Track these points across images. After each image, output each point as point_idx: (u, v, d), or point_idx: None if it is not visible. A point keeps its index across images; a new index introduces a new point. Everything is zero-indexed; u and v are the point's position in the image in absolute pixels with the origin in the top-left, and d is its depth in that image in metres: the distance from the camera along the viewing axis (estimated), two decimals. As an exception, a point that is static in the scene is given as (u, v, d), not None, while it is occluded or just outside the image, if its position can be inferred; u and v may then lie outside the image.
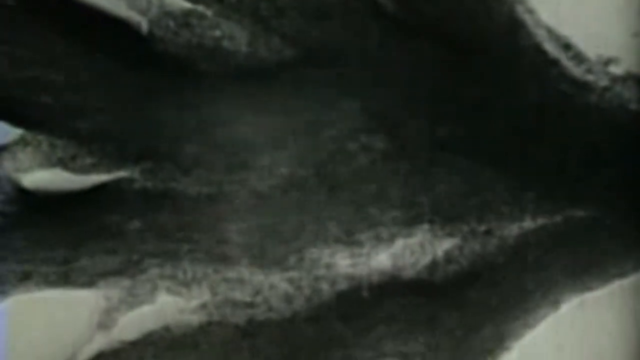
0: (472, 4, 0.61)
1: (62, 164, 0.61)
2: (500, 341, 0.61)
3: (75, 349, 0.61)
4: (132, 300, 0.61)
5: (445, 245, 0.61)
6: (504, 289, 0.60)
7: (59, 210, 0.61)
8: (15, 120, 0.61)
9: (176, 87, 0.61)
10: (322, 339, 0.61)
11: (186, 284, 0.61)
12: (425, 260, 0.61)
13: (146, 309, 0.61)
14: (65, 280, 0.61)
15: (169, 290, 0.61)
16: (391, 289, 0.61)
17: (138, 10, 0.61)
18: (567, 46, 0.61)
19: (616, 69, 0.61)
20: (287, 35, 0.61)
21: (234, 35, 0.61)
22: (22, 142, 0.61)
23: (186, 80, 0.61)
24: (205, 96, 0.61)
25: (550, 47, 0.61)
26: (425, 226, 0.61)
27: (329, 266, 0.61)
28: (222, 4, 0.61)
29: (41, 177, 0.62)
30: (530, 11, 0.61)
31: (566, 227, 0.60)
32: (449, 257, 0.61)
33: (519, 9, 0.61)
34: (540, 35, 0.61)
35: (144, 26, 0.62)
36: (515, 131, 0.61)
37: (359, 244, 0.61)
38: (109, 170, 0.61)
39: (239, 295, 0.61)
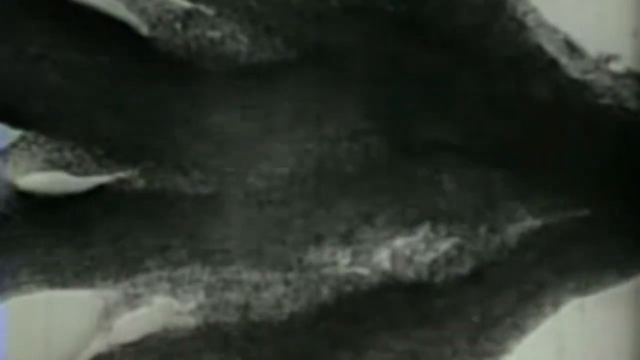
0: (473, 3, 0.61)
1: (62, 165, 0.61)
2: (501, 342, 0.60)
3: (74, 351, 0.61)
4: (130, 302, 0.61)
5: (445, 244, 0.61)
6: (504, 289, 0.60)
7: (58, 212, 0.61)
8: (14, 122, 0.61)
9: (176, 87, 0.61)
10: (321, 340, 0.61)
11: (184, 286, 0.61)
12: (426, 259, 0.61)
13: (144, 310, 0.61)
14: (64, 281, 0.61)
15: (166, 292, 0.61)
16: (391, 289, 0.61)
17: (138, 10, 0.61)
18: (567, 44, 0.61)
19: (616, 67, 0.62)
20: (288, 35, 0.61)
21: (235, 35, 0.61)
22: (21, 143, 0.61)
23: (186, 81, 0.61)
24: (205, 96, 0.61)
25: (551, 45, 0.61)
26: (426, 226, 0.61)
27: (328, 266, 0.61)
28: (222, 4, 0.61)
29: (41, 179, 0.62)
30: (531, 10, 0.61)
31: (567, 227, 0.60)
32: (449, 257, 0.61)
33: (520, 8, 0.61)
34: (541, 33, 0.61)
35: (144, 26, 0.62)
36: (515, 130, 0.61)
37: (359, 243, 0.61)
38: (108, 172, 0.61)
39: (236, 296, 0.61)
